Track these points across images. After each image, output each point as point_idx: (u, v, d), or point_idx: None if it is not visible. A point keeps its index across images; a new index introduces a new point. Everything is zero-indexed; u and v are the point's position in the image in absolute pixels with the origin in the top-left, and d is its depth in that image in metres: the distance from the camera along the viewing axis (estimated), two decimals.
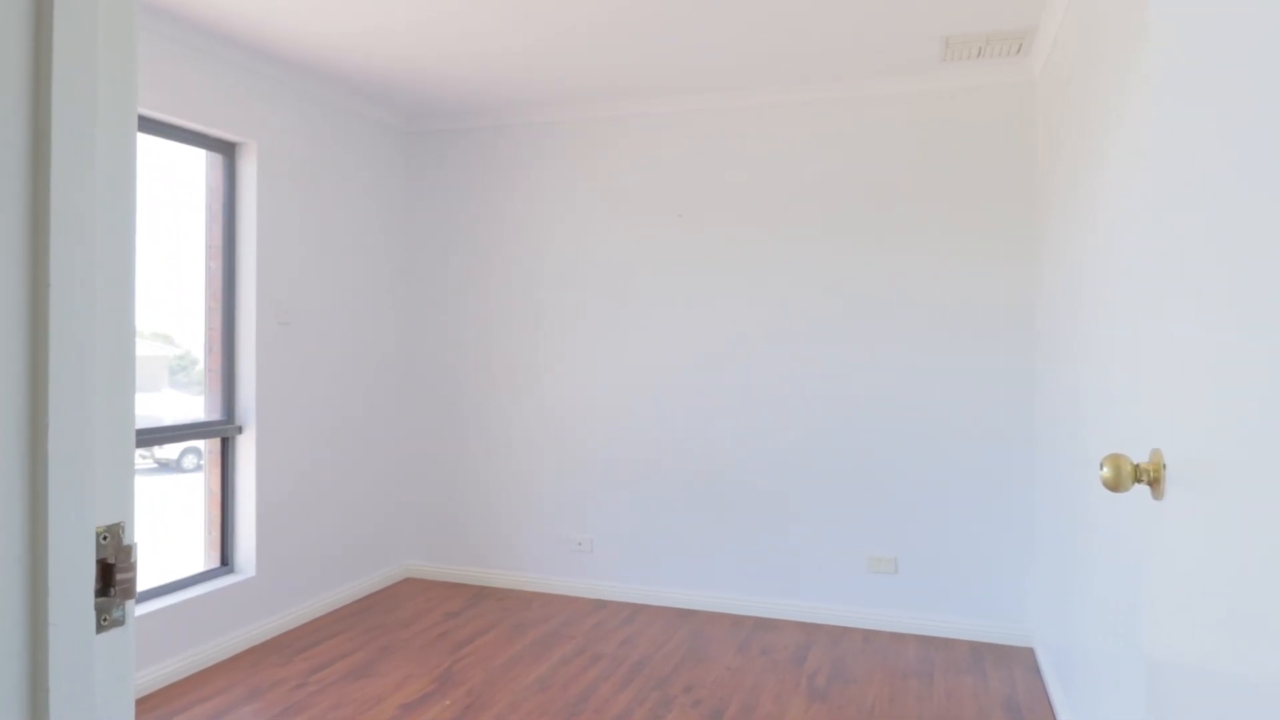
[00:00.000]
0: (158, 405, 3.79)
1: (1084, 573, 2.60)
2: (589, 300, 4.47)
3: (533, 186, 4.58)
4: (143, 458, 4.83)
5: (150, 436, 3.43)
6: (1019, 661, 3.60)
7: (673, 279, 4.31)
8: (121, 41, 0.67)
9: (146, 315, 3.72)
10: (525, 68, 3.86)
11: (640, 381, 4.37)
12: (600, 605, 4.31)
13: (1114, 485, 1.13)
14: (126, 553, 0.67)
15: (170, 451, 4.90)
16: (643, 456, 4.37)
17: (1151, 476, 1.11)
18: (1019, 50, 3.59)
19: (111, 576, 0.66)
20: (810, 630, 3.97)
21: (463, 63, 3.80)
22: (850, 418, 4.03)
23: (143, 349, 3.79)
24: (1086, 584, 2.56)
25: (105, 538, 0.66)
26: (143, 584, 3.43)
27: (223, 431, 3.73)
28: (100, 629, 0.65)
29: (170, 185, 3.68)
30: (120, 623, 0.66)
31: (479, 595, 4.47)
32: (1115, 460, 1.12)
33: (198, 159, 3.73)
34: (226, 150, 3.76)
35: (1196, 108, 1.04)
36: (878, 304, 3.99)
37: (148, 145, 3.45)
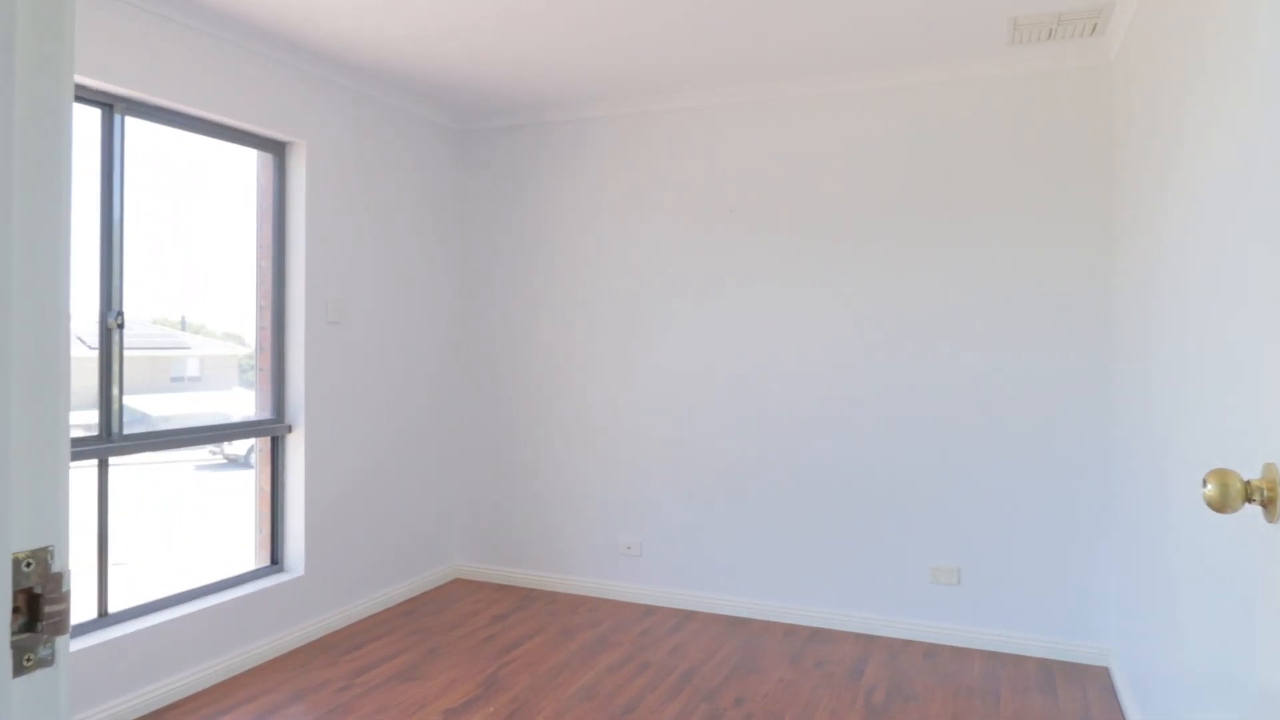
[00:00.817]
0: (228, 403, 3.85)
1: (1171, 591, 2.39)
2: (642, 298, 4.36)
3: (584, 183, 4.49)
4: (212, 454, 4.95)
5: (193, 436, 3.44)
6: (1093, 681, 3.37)
7: (727, 276, 4.18)
8: (49, 8, 0.59)
9: (219, 315, 3.81)
10: (574, 65, 3.77)
11: (693, 382, 4.25)
12: (649, 611, 4.21)
13: (1220, 505, 0.97)
14: (56, 581, 0.58)
15: (239, 448, 5.04)
16: (695, 459, 4.24)
17: (1267, 496, 0.95)
18: (1093, 31, 3.37)
19: (39, 609, 0.57)
20: (868, 643, 3.79)
21: (511, 59, 3.73)
22: (912, 420, 3.84)
23: (215, 348, 3.90)
24: (1173, 604, 2.35)
25: (29, 564, 0.57)
26: (197, 581, 3.43)
27: (272, 430, 3.73)
28: (20, 671, 0.56)
29: (229, 185, 3.71)
30: (48, 663, 0.58)
31: (527, 598, 4.40)
32: (1222, 477, 0.96)
33: (249, 159, 3.74)
34: (276, 150, 3.76)
35: None
36: (943, 301, 3.79)
37: (200, 145, 3.46)
